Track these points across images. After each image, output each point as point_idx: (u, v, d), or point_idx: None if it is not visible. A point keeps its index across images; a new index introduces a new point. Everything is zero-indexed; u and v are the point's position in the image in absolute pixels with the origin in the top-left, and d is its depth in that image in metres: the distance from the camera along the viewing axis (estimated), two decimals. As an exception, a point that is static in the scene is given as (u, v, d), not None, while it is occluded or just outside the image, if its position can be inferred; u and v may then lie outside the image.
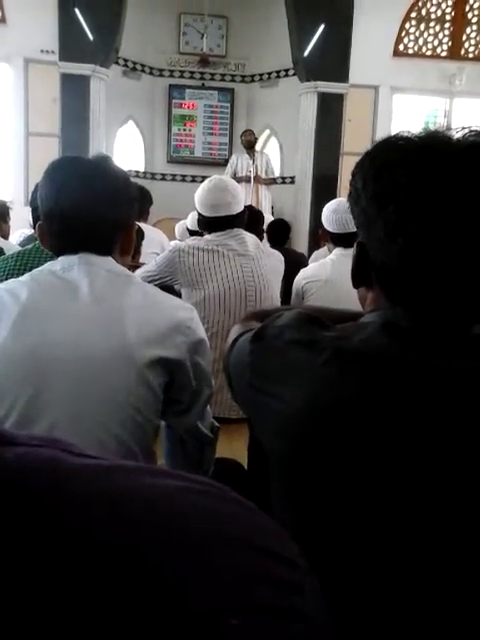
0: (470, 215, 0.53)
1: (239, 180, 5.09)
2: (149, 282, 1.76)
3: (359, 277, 0.65)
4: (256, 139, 5.78)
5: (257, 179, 5.55)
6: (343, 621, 0.51)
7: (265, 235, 3.46)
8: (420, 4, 5.85)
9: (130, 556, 0.21)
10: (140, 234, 2.04)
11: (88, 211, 0.92)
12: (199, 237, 2.26)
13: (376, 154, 0.60)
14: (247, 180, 5.50)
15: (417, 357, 0.55)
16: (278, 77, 6.44)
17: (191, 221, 3.35)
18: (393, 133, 0.60)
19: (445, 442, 0.52)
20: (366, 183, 0.59)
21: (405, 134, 0.58)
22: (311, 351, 0.59)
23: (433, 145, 0.56)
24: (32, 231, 2.34)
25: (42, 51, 5.34)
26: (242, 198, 2.26)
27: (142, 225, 2.28)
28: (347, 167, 5.16)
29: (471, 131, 0.55)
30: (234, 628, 0.20)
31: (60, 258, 0.95)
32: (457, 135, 0.55)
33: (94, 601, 0.19)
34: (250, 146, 5.66)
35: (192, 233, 3.23)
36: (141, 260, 2.28)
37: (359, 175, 0.61)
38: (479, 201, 0.52)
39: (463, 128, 0.56)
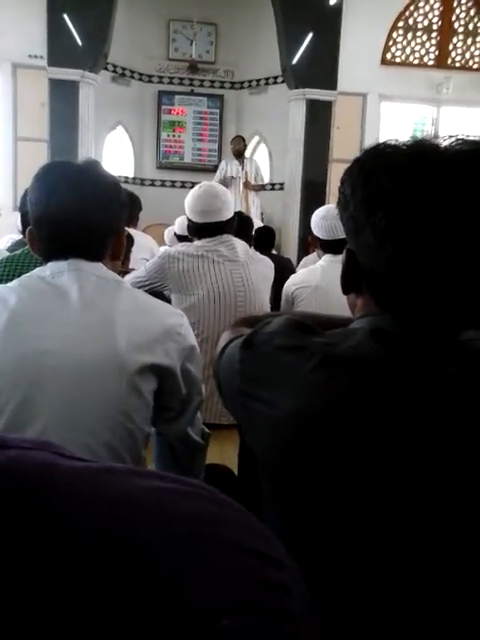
0: (457, 221, 0.53)
1: (227, 183, 5.11)
2: (139, 288, 1.76)
3: (348, 283, 0.66)
4: (245, 146, 5.80)
5: (247, 185, 5.57)
6: (332, 623, 0.51)
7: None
8: (407, 13, 5.92)
9: (120, 558, 0.21)
10: (130, 240, 2.04)
11: (78, 216, 0.92)
12: (188, 243, 2.26)
13: (365, 161, 0.60)
14: (229, 181, 5.48)
15: (405, 363, 0.56)
16: (267, 84, 6.48)
17: (179, 226, 3.35)
18: (382, 141, 0.61)
19: (434, 447, 0.52)
20: (355, 190, 0.59)
21: (393, 142, 0.59)
22: (300, 357, 0.59)
23: (421, 152, 0.56)
24: (21, 236, 2.33)
25: (30, 56, 5.32)
26: (232, 204, 2.27)
27: (131, 231, 2.28)
28: (336, 174, 5.20)
29: (458, 140, 0.56)
30: (225, 629, 0.20)
31: (49, 264, 0.95)
32: (444, 143, 0.56)
33: (86, 602, 0.20)
34: (239, 155, 5.68)
35: (180, 238, 3.24)
36: (131, 266, 2.28)
37: (348, 182, 0.61)
38: (466, 208, 0.53)
39: (450, 137, 0.57)
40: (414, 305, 0.58)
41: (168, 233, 3.80)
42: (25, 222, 1.75)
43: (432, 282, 0.55)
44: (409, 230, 0.54)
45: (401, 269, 0.56)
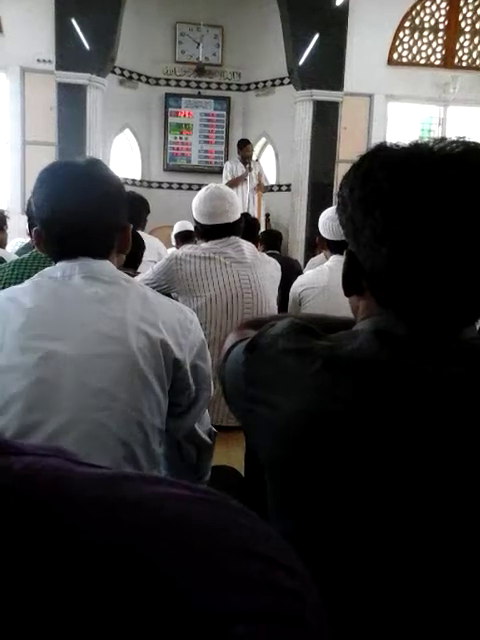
0: (453, 218, 0.54)
1: (233, 184, 5.10)
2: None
3: (350, 285, 0.66)
4: (253, 150, 5.77)
5: (259, 188, 5.53)
6: (340, 626, 0.51)
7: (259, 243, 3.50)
8: (414, 13, 5.91)
9: (132, 565, 0.21)
10: (141, 245, 2.04)
11: (86, 217, 0.93)
12: (195, 245, 2.27)
13: (361, 163, 0.61)
14: (235, 183, 5.45)
15: (409, 364, 0.56)
16: (273, 85, 6.48)
17: (178, 229, 3.40)
18: (380, 143, 0.62)
19: (439, 448, 0.52)
20: (352, 191, 0.60)
21: (389, 144, 0.60)
22: (304, 360, 0.59)
23: (416, 152, 0.57)
24: (29, 240, 2.35)
25: (39, 60, 5.37)
26: (239, 206, 2.27)
27: (139, 233, 2.28)
28: (343, 174, 5.17)
29: (452, 141, 0.56)
30: (239, 635, 0.20)
31: (59, 264, 0.96)
32: (439, 145, 0.56)
33: (97, 609, 0.20)
34: (246, 160, 5.63)
35: (179, 237, 3.28)
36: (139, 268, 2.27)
37: (346, 185, 0.62)
38: (461, 204, 0.53)
39: (444, 138, 0.57)
40: (415, 302, 0.58)
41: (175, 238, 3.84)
42: (31, 225, 1.76)
43: (431, 278, 0.56)
44: (406, 227, 0.55)
45: (400, 266, 0.56)
